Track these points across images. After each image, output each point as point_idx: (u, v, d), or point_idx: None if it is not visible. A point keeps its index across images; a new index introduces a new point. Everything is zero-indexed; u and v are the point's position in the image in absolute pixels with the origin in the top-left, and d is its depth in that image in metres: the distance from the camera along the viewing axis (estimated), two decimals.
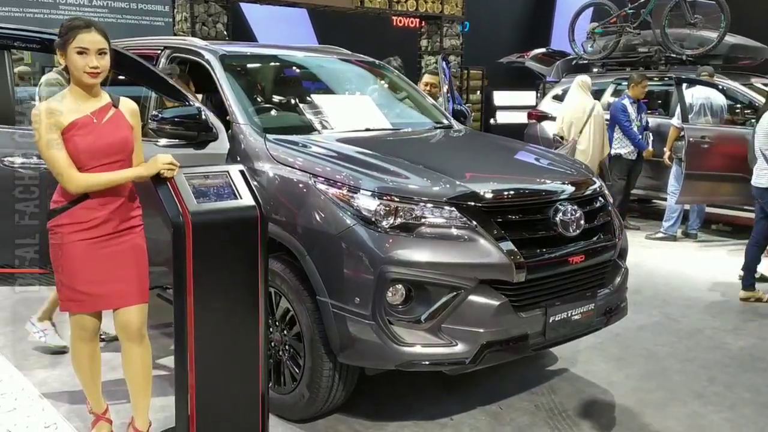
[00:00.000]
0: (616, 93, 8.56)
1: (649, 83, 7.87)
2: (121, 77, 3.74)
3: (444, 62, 5.22)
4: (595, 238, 3.20)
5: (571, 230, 3.03)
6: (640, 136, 7.49)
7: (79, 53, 2.52)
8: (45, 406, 3.24)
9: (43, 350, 3.89)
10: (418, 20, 12.42)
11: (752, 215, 6.05)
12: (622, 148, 7.50)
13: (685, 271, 6.07)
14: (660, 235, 7.31)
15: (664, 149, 7.32)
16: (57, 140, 2.52)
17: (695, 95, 7.10)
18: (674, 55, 8.43)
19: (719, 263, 6.39)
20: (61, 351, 3.83)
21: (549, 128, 8.51)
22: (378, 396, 3.39)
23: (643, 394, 3.54)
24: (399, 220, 2.79)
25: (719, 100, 7.16)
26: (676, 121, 7.12)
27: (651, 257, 6.51)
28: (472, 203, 2.86)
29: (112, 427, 2.92)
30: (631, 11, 8.92)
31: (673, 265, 6.27)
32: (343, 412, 3.17)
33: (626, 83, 7.84)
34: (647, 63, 8.85)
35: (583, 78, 7.65)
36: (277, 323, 3.12)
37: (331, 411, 3.13)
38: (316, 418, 3.10)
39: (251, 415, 2.86)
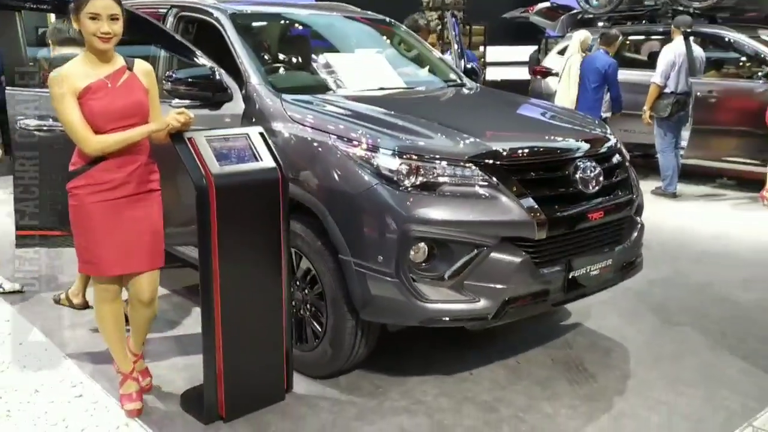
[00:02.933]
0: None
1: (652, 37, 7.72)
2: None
3: (453, 19, 5.15)
4: (613, 195, 3.22)
5: (591, 187, 3.04)
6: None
7: (91, 18, 2.54)
8: (70, 366, 3.29)
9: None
10: None
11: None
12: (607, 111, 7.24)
13: (692, 225, 6.10)
14: (660, 193, 7.32)
15: (644, 108, 7.12)
16: (72, 104, 2.55)
17: (676, 51, 6.95)
18: (681, 8, 8.30)
19: (725, 217, 6.44)
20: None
21: (553, 84, 8.43)
22: (398, 352, 3.44)
23: (656, 347, 3.61)
24: (420, 179, 2.80)
25: (699, 53, 7.04)
26: (658, 78, 6.97)
27: (657, 212, 6.51)
28: (493, 161, 2.87)
29: (138, 386, 2.96)
30: None
31: (679, 219, 6.30)
32: (364, 368, 3.23)
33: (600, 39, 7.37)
34: (653, 16, 8.72)
35: (577, 33, 7.56)
36: (297, 283, 3.15)
37: (353, 367, 3.18)
38: (338, 374, 3.16)
39: (276, 372, 2.92)
